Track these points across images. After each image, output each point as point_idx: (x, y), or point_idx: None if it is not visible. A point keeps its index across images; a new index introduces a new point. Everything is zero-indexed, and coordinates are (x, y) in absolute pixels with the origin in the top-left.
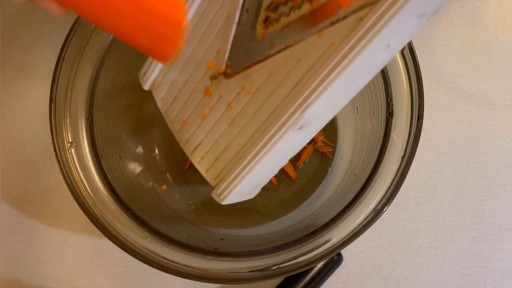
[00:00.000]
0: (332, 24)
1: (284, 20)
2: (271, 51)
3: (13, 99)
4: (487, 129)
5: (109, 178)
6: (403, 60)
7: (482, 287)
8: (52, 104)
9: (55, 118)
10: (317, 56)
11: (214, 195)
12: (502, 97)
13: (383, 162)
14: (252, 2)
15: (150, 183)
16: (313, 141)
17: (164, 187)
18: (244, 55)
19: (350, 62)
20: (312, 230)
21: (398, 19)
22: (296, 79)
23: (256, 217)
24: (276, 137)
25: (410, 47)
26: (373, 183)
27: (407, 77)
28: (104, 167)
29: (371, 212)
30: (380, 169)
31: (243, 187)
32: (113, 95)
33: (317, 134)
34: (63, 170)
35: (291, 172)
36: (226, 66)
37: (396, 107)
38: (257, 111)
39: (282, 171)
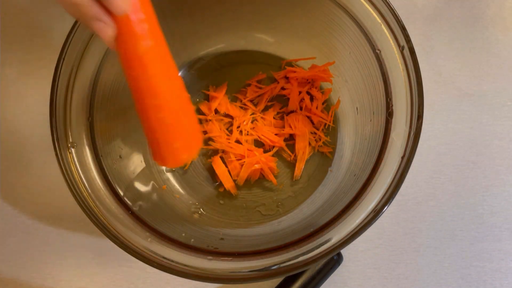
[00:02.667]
0: None
1: None
2: None
3: (13, 99)
4: (487, 129)
5: (109, 177)
6: (403, 60)
7: (482, 287)
8: (52, 104)
9: (55, 118)
10: None
11: None
12: (502, 97)
13: (383, 161)
14: None
15: (150, 183)
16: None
17: (164, 187)
18: None
19: None
20: (312, 230)
21: None
22: None
23: (256, 217)
24: None
25: (410, 47)
26: (373, 183)
27: (407, 77)
28: (105, 167)
29: (371, 212)
30: (380, 169)
31: None
32: (113, 95)
33: (322, 134)
34: (64, 170)
35: (297, 171)
36: None
37: (396, 107)
38: None
39: (283, 170)
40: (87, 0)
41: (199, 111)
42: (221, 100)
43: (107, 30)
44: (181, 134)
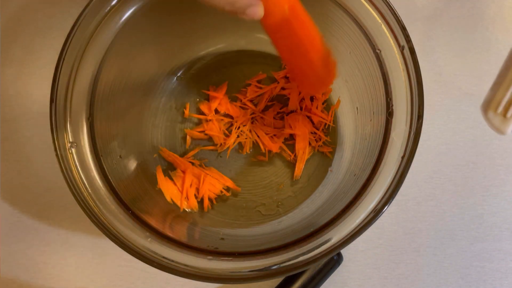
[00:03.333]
0: None
1: None
2: None
3: (13, 99)
4: (487, 129)
5: (110, 177)
6: (403, 60)
7: (482, 287)
8: (52, 104)
9: (55, 118)
10: None
11: None
12: None
13: (383, 162)
14: None
15: (151, 183)
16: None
17: None
18: None
19: None
20: (312, 229)
21: None
22: None
23: (256, 217)
24: None
25: (410, 47)
26: (373, 183)
27: (407, 77)
28: (105, 167)
29: (371, 212)
30: (380, 169)
31: None
32: (113, 95)
33: (322, 134)
34: (64, 169)
35: (297, 171)
36: None
37: (396, 107)
38: None
39: (283, 170)
40: None
41: (199, 111)
42: (221, 100)
43: (259, 10)
44: (327, 63)
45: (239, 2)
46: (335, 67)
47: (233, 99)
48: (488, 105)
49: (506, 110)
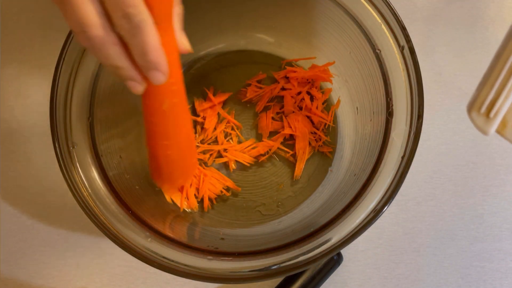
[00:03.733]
0: None
1: None
2: None
3: (13, 99)
4: None
5: (110, 177)
6: (403, 60)
7: (482, 287)
8: (52, 104)
9: (55, 118)
10: None
11: None
12: None
13: (383, 161)
14: None
15: (151, 183)
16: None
17: None
18: None
19: None
20: (312, 229)
21: None
22: None
23: (256, 216)
24: None
25: (410, 47)
26: (373, 182)
27: (407, 77)
28: (105, 167)
29: (371, 211)
30: (380, 169)
31: None
32: (113, 95)
33: (322, 134)
34: (64, 169)
35: (297, 171)
36: None
37: (396, 107)
38: None
39: (284, 170)
40: (127, 65)
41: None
42: (215, 106)
43: (138, 87)
44: (182, 167)
45: (121, 71)
46: (195, 167)
47: (232, 99)
48: (472, 105)
49: (489, 110)
